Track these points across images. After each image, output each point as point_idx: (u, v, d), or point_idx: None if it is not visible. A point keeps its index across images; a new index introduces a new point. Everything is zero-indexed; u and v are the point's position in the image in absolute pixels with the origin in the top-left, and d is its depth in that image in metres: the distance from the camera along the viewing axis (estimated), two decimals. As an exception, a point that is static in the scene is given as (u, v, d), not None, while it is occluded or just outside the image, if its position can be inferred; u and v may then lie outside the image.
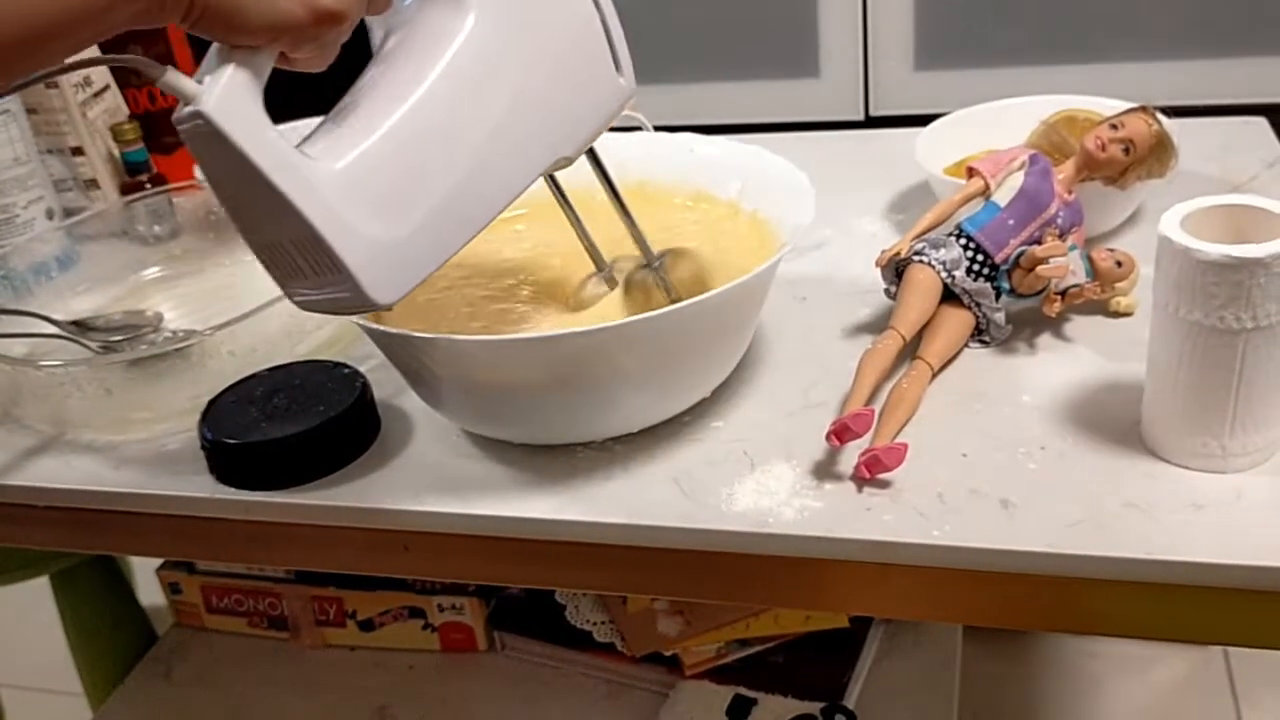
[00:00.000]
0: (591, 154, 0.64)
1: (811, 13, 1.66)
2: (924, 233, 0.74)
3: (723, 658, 1.10)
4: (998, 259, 0.71)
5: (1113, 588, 0.56)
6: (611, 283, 0.70)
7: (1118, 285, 0.73)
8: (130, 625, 1.32)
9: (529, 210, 0.79)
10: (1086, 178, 0.75)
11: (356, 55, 0.59)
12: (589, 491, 0.64)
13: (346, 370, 0.73)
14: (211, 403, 0.72)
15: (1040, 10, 1.58)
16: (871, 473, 0.61)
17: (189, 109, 0.51)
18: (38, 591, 1.29)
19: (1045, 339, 0.72)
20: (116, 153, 1.12)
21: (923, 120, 0.93)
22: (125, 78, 1.15)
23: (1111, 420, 0.64)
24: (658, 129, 0.84)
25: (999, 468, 0.62)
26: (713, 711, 1.06)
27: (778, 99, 1.73)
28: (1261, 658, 1.36)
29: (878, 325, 0.75)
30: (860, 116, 1.71)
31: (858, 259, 0.83)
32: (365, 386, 0.71)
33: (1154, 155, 0.75)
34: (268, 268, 0.58)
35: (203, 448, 0.70)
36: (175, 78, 0.51)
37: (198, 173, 1.08)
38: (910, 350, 0.70)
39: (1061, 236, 0.72)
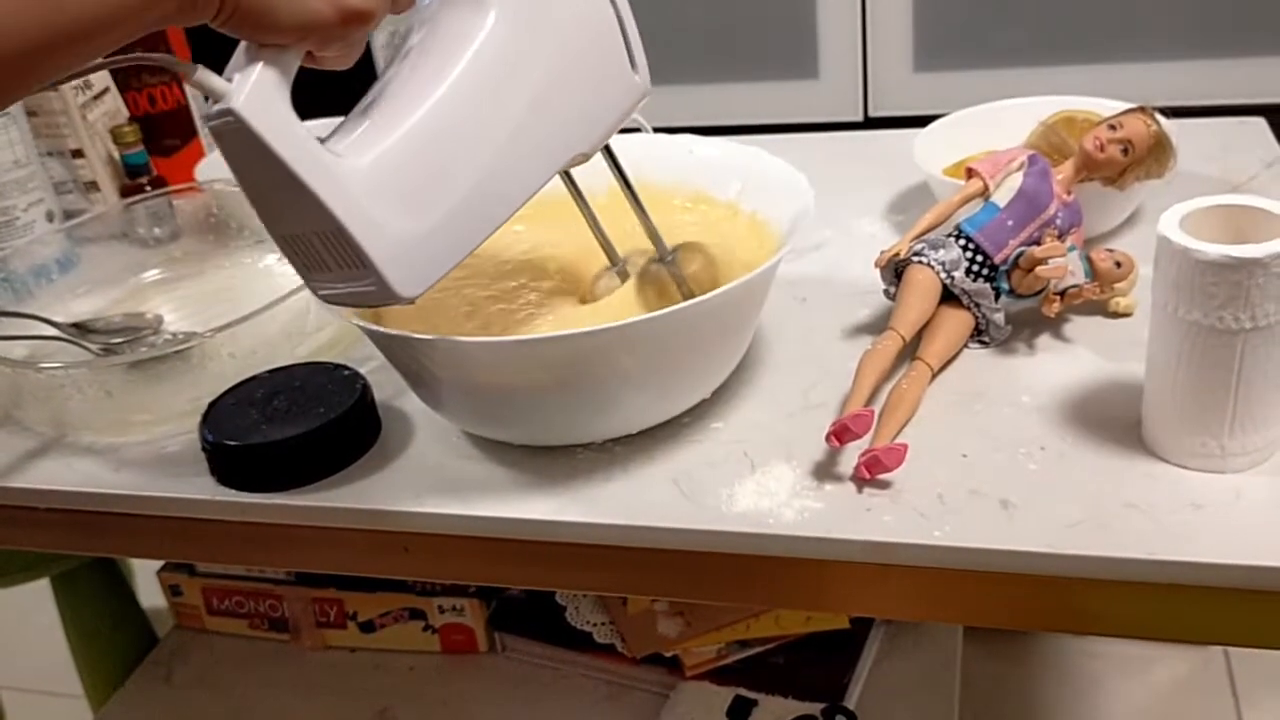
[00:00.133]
0: (607, 150, 0.65)
1: (811, 14, 1.66)
2: (923, 233, 0.74)
3: (723, 659, 1.10)
4: (997, 259, 0.71)
5: (1112, 588, 0.56)
6: (624, 276, 0.71)
7: (1117, 286, 0.73)
8: (131, 627, 1.32)
9: (526, 211, 0.80)
10: (1085, 178, 0.75)
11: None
12: (589, 493, 0.64)
13: (347, 372, 0.73)
14: (212, 405, 0.72)
15: (1039, 11, 1.58)
16: (871, 473, 0.61)
17: (219, 106, 0.52)
18: (38, 594, 1.29)
19: (1045, 339, 0.73)
20: (116, 155, 1.12)
21: (922, 121, 0.93)
22: (125, 80, 1.16)
23: (1111, 420, 0.64)
24: (657, 130, 0.84)
25: (999, 468, 0.62)
26: (713, 712, 1.06)
27: (777, 100, 1.73)
28: (1262, 658, 1.36)
29: (877, 326, 0.75)
30: (860, 117, 1.71)
31: (857, 260, 0.83)
32: (365, 388, 0.71)
33: (1152, 156, 0.75)
34: (291, 260, 0.59)
35: (203, 450, 0.70)
36: (206, 76, 0.52)
37: (197, 174, 1.08)
38: (910, 351, 0.70)
39: (1060, 237, 0.73)
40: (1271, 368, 0.56)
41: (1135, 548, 0.55)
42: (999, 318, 0.72)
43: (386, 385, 0.74)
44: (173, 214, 1.02)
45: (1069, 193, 0.74)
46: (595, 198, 0.69)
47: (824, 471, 0.63)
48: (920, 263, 0.71)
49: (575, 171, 0.66)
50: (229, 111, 0.52)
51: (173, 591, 1.29)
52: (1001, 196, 0.73)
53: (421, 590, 1.19)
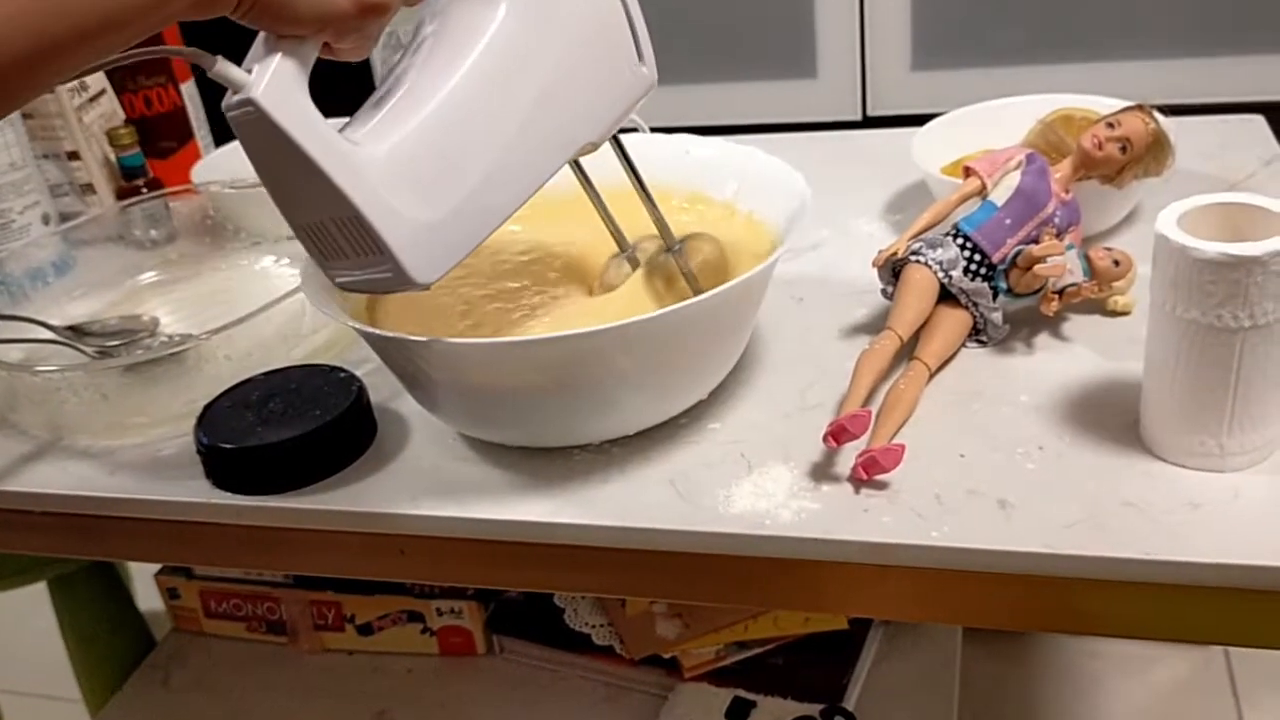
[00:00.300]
0: (615, 140, 0.66)
1: (809, 13, 1.66)
2: (921, 233, 0.74)
3: (722, 660, 1.10)
4: (995, 258, 0.71)
5: (1111, 588, 0.56)
6: (634, 263, 0.71)
7: (1115, 284, 0.73)
8: (128, 631, 1.32)
9: (526, 211, 0.79)
10: (1083, 177, 0.75)
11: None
12: (585, 494, 0.64)
13: (343, 374, 0.73)
14: (207, 407, 0.72)
15: (1037, 9, 1.58)
16: (869, 474, 0.61)
17: (238, 96, 0.53)
18: (36, 597, 1.29)
19: (1043, 338, 0.72)
20: (113, 157, 1.12)
21: (920, 120, 0.93)
22: (121, 82, 1.15)
23: (1110, 420, 0.64)
24: (654, 130, 0.84)
25: (997, 468, 0.61)
26: (712, 714, 1.06)
27: (775, 100, 1.73)
28: (1262, 657, 1.36)
29: (875, 326, 0.74)
30: (858, 116, 1.71)
31: (855, 259, 0.83)
32: (361, 390, 0.71)
33: (1151, 154, 0.75)
34: (309, 249, 0.60)
35: (198, 452, 0.70)
36: (226, 67, 0.53)
37: (194, 176, 1.08)
38: (908, 350, 0.70)
39: (1059, 235, 0.72)
40: (1270, 366, 0.56)
41: (1133, 547, 0.55)
42: (997, 317, 0.71)
43: (383, 387, 0.73)
44: (169, 216, 1.02)
45: (1067, 191, 0.74)
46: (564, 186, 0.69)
47: (821, 472, 0.63)
48: (918, 262, 0.71)
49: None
50: (249, 101, 0.53)
51: (170, 594, 1.29)
52: (999, 195, 0.73)
53: (420, 593, 1.19)
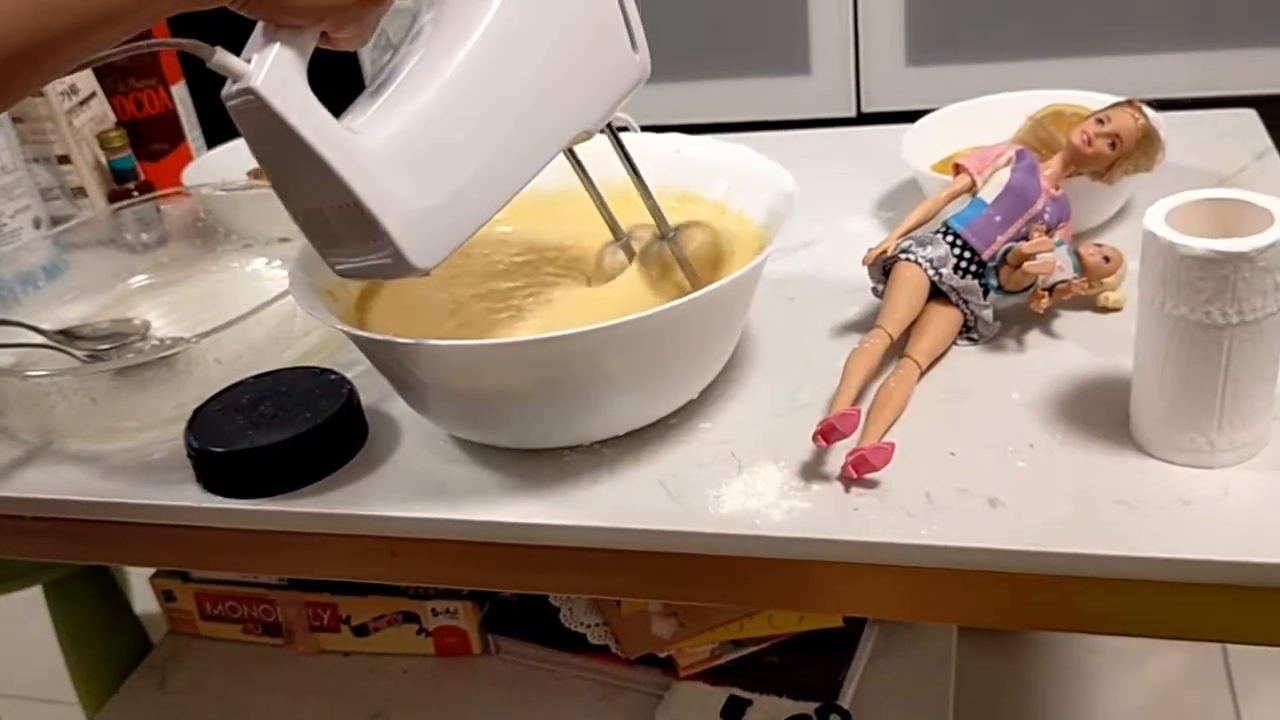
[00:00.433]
0: (610, 128, 0.66)
1: (802, 10, 1.65)
2: (911, 230, 0.74)
3: (717, 659, 1.09)
4: (985, 256, 0.71)
5: (1102, 585, 0.56)
6: (629, 251, 0.71)
7: (1106, 280, 0.73)
8: (124, 634, 1.32)
9: (520, 210, 0.80)
10: (1074, 173, 0.75)
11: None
12: (576, 495, 0.64)
13: (333, 376, 0.73)
14: (197, 411, 0.72)
15: (1032, 4, 1.58)
16: (859, 473, 0.61)
17: (238, 85, 0.54)
18: (32, 601, 1.29)
19: (1034, 336, 0.72)
20: (103, 160, 1.11)
21: (915, 116, 0.93)
22: (112, 85, 1.15)
23: (1100, 417, 0.64)
24: (646, 129, 0.84)
25: (987, 466, 0.61)
26: (708, 713, 1.05)
27: (769, 97, 1.72)
28: (1259, 650, 1.36)
29: (866, 324, 0.74)
30: (852, 113, 1.71)
31: (846, 257, 0.82)
32: (352, 392, 0.71)
33: (1140, 149, 0.74)
34: (309, 237, 0.61)
35: (189, 456, 0.70)
36: (225, 57, 0.54)
37: (185, 179, 1.08)
38: (898, 348, 0.69)
39: (1049, 232, 0.72)
40: (1259, 362, 0.56)
41: (1124, 545, 0.55)
42: (987, 314, 0.71)
43: (373, 389, 0.73)
44: (160, 219, 1.01)
45: (1057, 187, 0.74)
46: (568, 184, 0.70)
47: (811, 471, 0.63)
48: (908, 260, 0.71)
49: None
50: (249, 90, 0.53)
51: (166, 597, 1.29)
52: (989, 192, 0.73)
53: (415, 593, 1.18)
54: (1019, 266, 0.69)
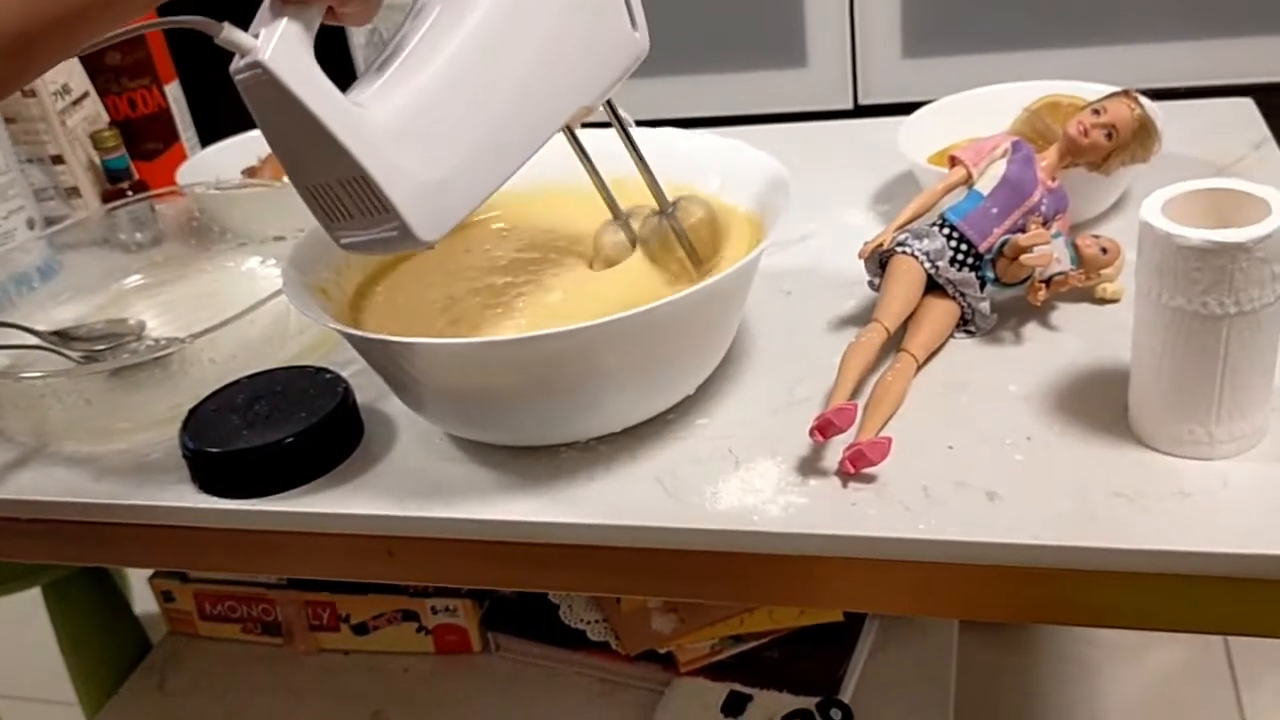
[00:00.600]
0: (610, 105, 0.67)
1: (798, 2, 1.65)
2: (907, 223, 0.73)
3: (717, 654, 1.09)
4: (981, 248, 0.71)
5: (1101, 578, 0.56)
6: (628, 229, 0.72)
7: (1103, 272, 0.72)
8: (124, 634, 1.31)
9: (504, 209, 0.80)
10: (1070, 164, 0.75)
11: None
12: (572, 492, 0.64)
13: (328, 375, 0.72)
14: (192, 411, 0.72)
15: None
16: (856, 467, 0.61)
17: (247, 60, 0.54)
18: (31, 602, 1.29)
19: (1031, 328, 0.72)
20: (97, 160, 1.11)
21: (912, 108, 0.92)
22: (105, 84, 1.15)
23: (1099, 409, 0.63)
24: (641, 123, 0.83)
25: (985, 459, 0.61)
26: (708, 708, 1.05)
27: (766, 90, 1.72)
28: (1261, 641, 1.36)
29: (864, 318, 0.74)
30: (850, 105, 1.71)
31: (843, 251, 0.82)
32: (347, 391, 0.71)
33: (1137, 140, 0.74)
34: (315, 211, 0.61)
35: (184, 457, 0.70)
36: (232, 32, 0.54)
37: (179, 178, 1.07)
38: (895, 342, 0.69)
39: (1045, 224, 0.72)
40: (1257, 353, 0.56)
41: (1123, 537, 0.55)
42: (984, 307, 0.71)
43: (369, 388, 0.73)
44: (155, 218, 1.01)
45: (1054, 179, 0.74)
46: (577, 182, 0.71)
47: (809, 466, 0.62)
48: (904, 253, 0.71)
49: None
50: (257, 64, 0.54)
51: (165, 597, 1.29)
52: (985, 184, 0.72)
53: (414, 591, 1.18)
54: (1016, 259, 0.69)
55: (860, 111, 1.69)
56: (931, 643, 1.12)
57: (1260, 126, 0.94)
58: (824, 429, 0.62)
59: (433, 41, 0.59)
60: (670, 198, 0.69)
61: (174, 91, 1.18)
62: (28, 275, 0.95)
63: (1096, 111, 0.73)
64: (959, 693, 1.09)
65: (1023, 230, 0.71)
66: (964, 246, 0.71)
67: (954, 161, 0.74)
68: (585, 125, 0.71)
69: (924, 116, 0.92)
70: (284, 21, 0.54)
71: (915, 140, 0.87)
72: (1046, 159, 0.74)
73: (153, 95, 1.16)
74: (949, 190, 0.74)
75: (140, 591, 1.35)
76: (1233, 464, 0.58)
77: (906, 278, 0.70)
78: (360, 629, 1.22)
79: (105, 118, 1.14)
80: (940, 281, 0.70)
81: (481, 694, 1.16)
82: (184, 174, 1.08)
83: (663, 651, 1.10)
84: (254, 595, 1.24)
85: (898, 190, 0.93)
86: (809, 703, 1.04)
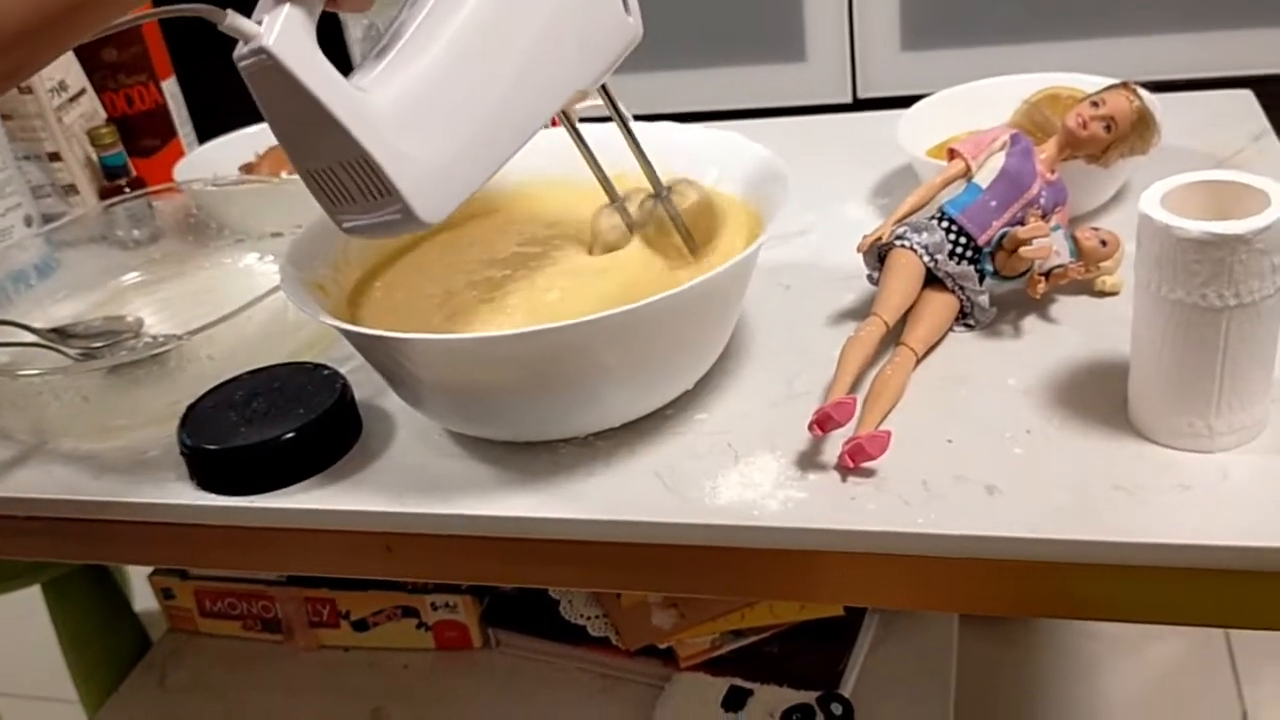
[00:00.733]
0: (604, 89, 0.68)
1: (796, -4, 1.65)
2: (906, 216, 0.73)
3: (717, 649, 1.09)
4: (980, 241, 0.71)
5: (1101, 572, 0.56)
6: (624, 213, 0.72)
7: (1103, 264, 0.72)
8: (123, 632, 1.31)
9: (507, 203, 0.80)
10: (1069, 156, 0.74)
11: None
12: (571, 488, 0.64)
13: (326, 372, 0.72)
14: (190, 408, 0.72)
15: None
16: (855, 462, 0.60)
17: (251, 46, 0.55)
18: (31, 600, 1.29)
19: (1030, 321, 0.72)
20: (94, 157, 1.11)
21: (912, 101, 0.92)
22: (102, 81, 1.15)
23: (1098, 402, 0.63)
24: (640, 118, 0.83)
25: (984, 453, 0.61)
26: (708, 703, 1.05)
27: (765, 84, 1.72)
28: (1262, 634, 1.36)
29: (863, 312, 0.74)
30: (849, 99, 1.70)
31: (842, 245, 0.82)
32: (345, 388, 0.71)
33: (1136, 132, 0.74)
34: (318, 196, 0.62)
35: (182, 454, 0.70)
36: (236, 19, 0.55)
37: (176, 174, 1.07)
38: (894, 336, 0.69)
39: (1045, 217, 0.72)
40: (1256, 345, 0.56)
41: (1123, 530, 0.55)
42: (983, 300, 0.71)
43: (367, 384, 0.73)
44: (152, 215, 1.01)
45: (1053, 171, 0.73)
46: (569, 175, 0.71)
47: (808, 461, 0.62)
48: (903, 246, 0.71)
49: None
50: (261, 50, 0.54)
51: (165, 595, 1.29)
52: (984, 177, 0.72)
53: (414, 588, 1.18)
54: (1015, 251, 0.69)
55: (859, 105, 1.69)
56: (932, 637, 1.12)
57: (1260, 118, 0.94)
58: (823, 423, 0.62)
59: (431, 27, 0.60)
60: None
61: (171, 88, 1.18)
62: (25, 272, 0.95)
63: (1095, 104, 0.73)
64: (959, 687, 1.09)
65: (1022, 223, 0.71)
66: (963, 240, 0.71)
67: (953, 154, 0.74)
68: (584, 120, 0.72)
69: (923, 110, 0.91)
70: (286, 8, 0.55)
71: (914, 133, 0.87)
72: (1045, 151, 0.73)
73: (150, 91, 1.16)
74: (948, 183, 0.74)
75: (140, 589, 1.35)
76: (1232, 456, 0.58)
77: (905, 271, 0.70)
78: (360, 625, 1.22)
79: (102, 114, 1.14)
80: (939, 275, 0.70)
81: (482, 690, 1.16)
82: (181, 170, 1.08)
83: (663, 647, 1.10)
84: (254, 592, 1.24)
85: (897, 184, 0.93)
86: (809, 697, 1.04)
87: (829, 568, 0.60)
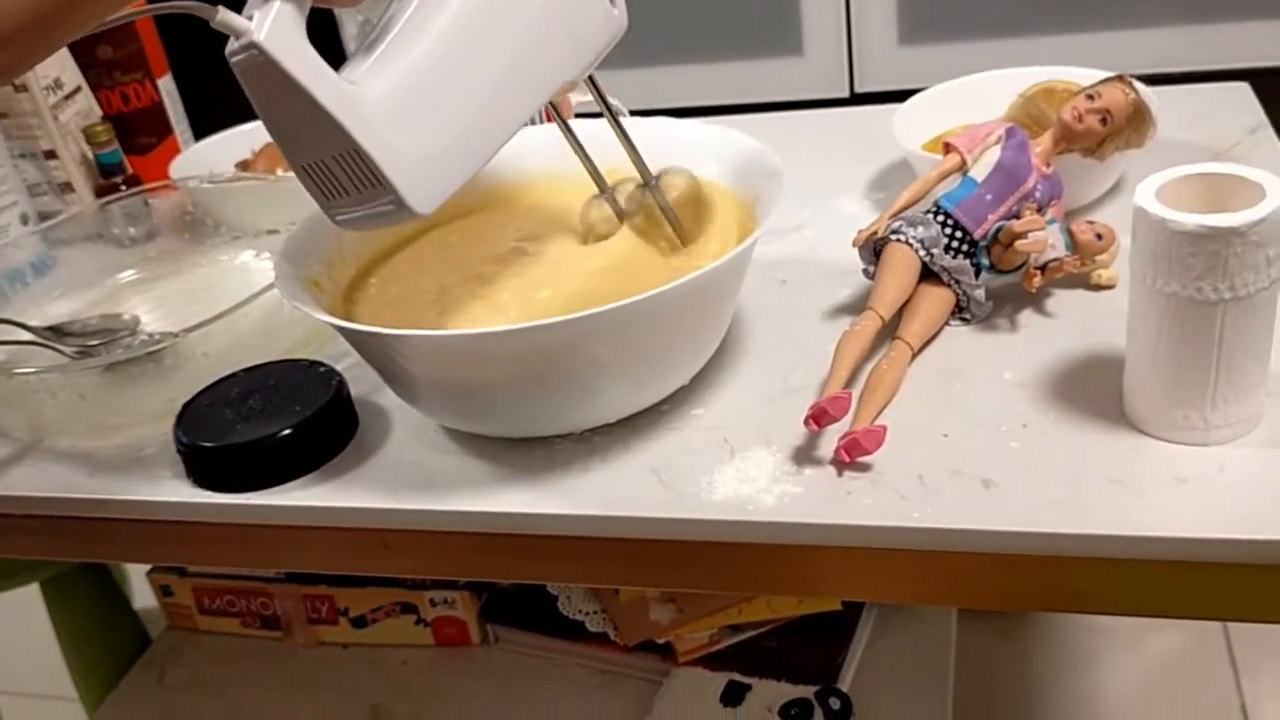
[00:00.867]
0: (591, 80, 0.68)
1: (793, -10, 1.65)
2: (901, 211, 0.73)
3: (716, 644, 1.09)
4: (976, 235, 0.71)
5: (1098, 565, 0.56)
6: (614, 203, 0.73)
7: (1098, 258, 0.72)
8: (123, 629, 1.31)
9: (503, 199, 0.80)
10: (1065, 150, 0.74)
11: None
12: (567, 484, 0.64)
13: (322, 369, 0.72)
14: (186, 406, 0.71)
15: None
16: (851, 456, 0.60)
17: (242, 41, 0.55)
18: (30, 598, 1.29)
19: (1026, 315, 0.72)
20: (90, 155, 1.11)
21: (909, 96, 0.92)
22: (98, 79, 1.14)
23: (1094, 395, 0.63)
24: (637, 113, 0.83)
25: (980, 447, 0.61)
26: (707, 698, 1.05)
27: (762, 79, 1.72)
28: (1260, 627, 1.35)
29: (859, 306, 0.74)
30: (846, 94, 1.70)
31: (838, 240, 0.81)
32: (341, 384, 0.71)
33: (1131, 125, 0.74)
34: (311, 190, 0.62)
35: (179, 451, 0.70)
36: (227, 16, 0.56)
37: (172, 172, 1.07)
38: (890, 330, 0.69)
39: (1040, 210, 0.72)
40: (1251, 338, 0.56)
41: (1120, 524, 0.55)
42: (979, 294, 0.71)
43: (363, 381, 0.73)
44: (149, 213, 1.01)
45: (1048, 165, 0.73)
46: (568, 170, 0.71)
47: (804, 456, 0.62)
48: (898, 240, 0.71)
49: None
50: (253, 45, 0.55)
51: (163, 592, 1.29)
52: (979, 171, 0.72)
53: (413, 584, 1.18)
54: (1011, 245, 0.69)
55: (856, 100, 1.69)
56: (930, 631, 1.12)
57: (1256, 111, 0.94)
58: (818, 418, 0.62)
59: (420, 20, 0.60)
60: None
61: (167, 85, 1.18)
62: (21, 271, 0.95)
63: (1091, 97, 0.73)
64: (957, 680, 1.09)
65: (1017, 217, 0.71)
66: (959, 233, 0.71)
67: (948, 148, 0.74)
68: (580, 115, 0.72)
69: (918, 104, 0.91)
70: (276, 3, 0.55)
71: (910, 127, 0.87)
72: (1041, 145, 0.73)
73: (145, 89, 1.16)
74: (943, 177, 0.74)
75: (139, 586, 1.36)
76: (1228, 449, 0.58)
77: (901, 265, 0.70)
78: (359, 622, 1.22)
79: (98, 112, 1.14)
80: (935, 269, 0.70)
81: (480, 686, 1.16)
82: (177, 168, 1.08)
83: (661, 642, 1.10)
84: (252, 589, 1.24)
85: (892, 178, 0.93)
86: (808, 692, 1.04)
87: (826, 562, 0.60)
